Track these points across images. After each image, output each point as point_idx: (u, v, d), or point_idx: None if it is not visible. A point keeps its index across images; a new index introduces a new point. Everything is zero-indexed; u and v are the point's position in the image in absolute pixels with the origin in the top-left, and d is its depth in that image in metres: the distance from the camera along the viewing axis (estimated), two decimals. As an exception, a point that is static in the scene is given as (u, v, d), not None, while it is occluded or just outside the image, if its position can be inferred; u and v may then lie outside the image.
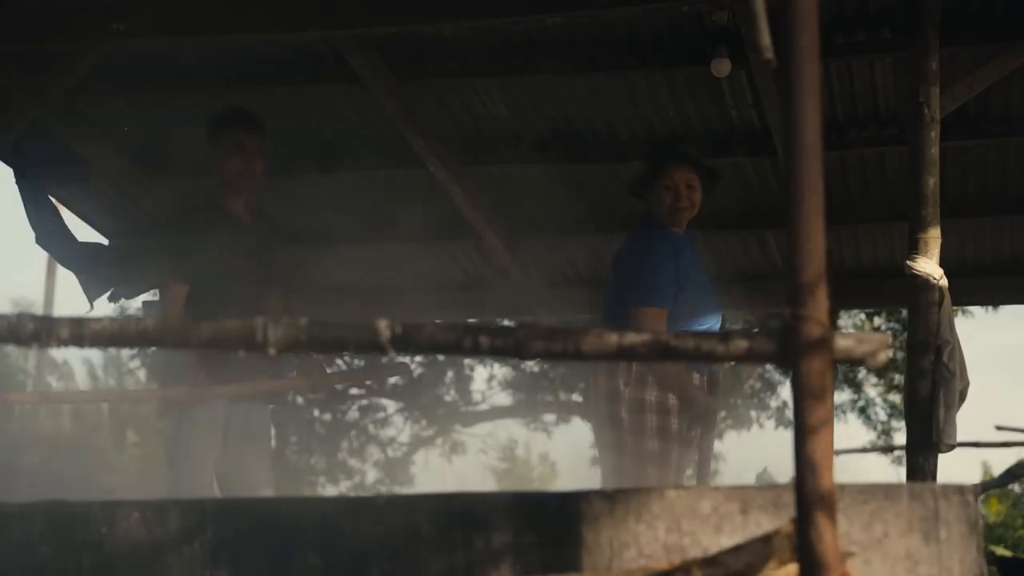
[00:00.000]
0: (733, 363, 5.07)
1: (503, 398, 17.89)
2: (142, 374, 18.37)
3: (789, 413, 14.26)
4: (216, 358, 4.69)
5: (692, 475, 5.00)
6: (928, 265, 4.52)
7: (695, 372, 4.65)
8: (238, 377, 4.78)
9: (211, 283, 4.79)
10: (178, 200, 5.30)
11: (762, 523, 2.24)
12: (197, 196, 5.06)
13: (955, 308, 4.70)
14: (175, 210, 5.15)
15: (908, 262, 4.55)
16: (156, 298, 7.59)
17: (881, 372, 15.62)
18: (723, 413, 4.92)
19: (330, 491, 17.72)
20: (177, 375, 4.78)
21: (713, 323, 4.75)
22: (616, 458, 4.61)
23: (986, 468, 17.43)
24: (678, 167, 4.73)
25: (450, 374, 17.21)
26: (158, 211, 6.45)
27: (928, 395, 4.47)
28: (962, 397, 4.56)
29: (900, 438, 15.73)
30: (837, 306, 8.27)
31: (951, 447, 4.47)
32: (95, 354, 22.05)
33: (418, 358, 15.01)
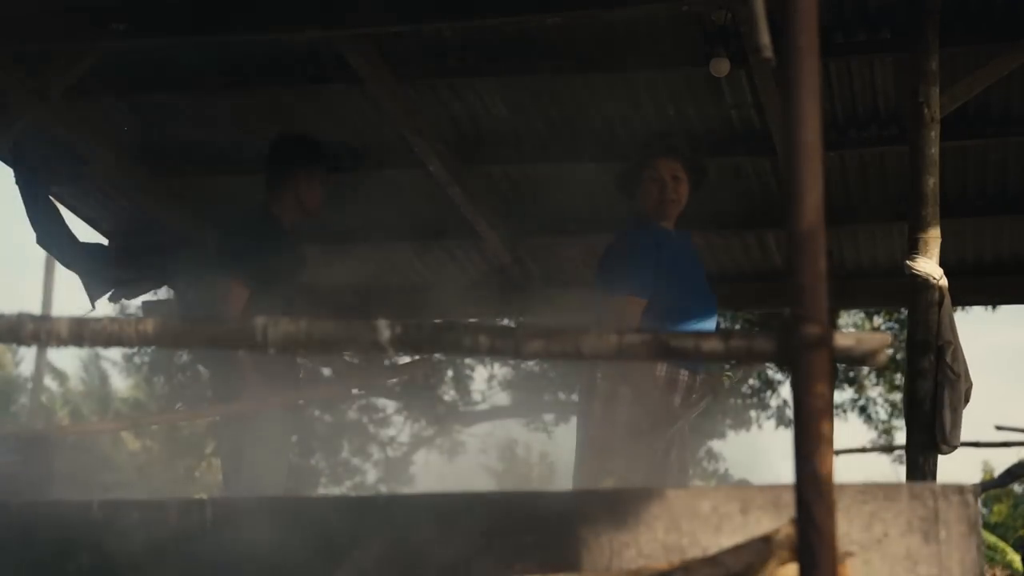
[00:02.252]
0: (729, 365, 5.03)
1: (503, 398, 17.90)
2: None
3: (789, 412, 14.24)
4: (267, 365, 4.72)
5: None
6: (928, 265, 4.52)
7: (683, 370, 4.60)
8: (288, 383, 4.82)
9: (260, 293, 4.82)
10: (239, 209, 5.38)
11: (762, 523, 2.24)
12: (256, 208, 5.14)
13: (955, 308, 4.69)
14: (238, 217, 5.20)
15: (908, 262, 4.55)
16: (156, 297, 7.61)
17: (882, 371, 15.63)
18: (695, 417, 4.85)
19: (330, 491, 17.72)
20: (234, 385, 4.78)
21: (707, 323, 4.73)
22: (586, 451, 4.60)
23: (987, 468, 17.44)
24: (664, 158, 4.73)
25: (450, 374, 17.21)
26: (217, 215, 6.48)
27: (929, 395, 4.46)
28: (966, 398, 4.55)
29: (901, 438, 15.74)
30: (837, 306, 8.27)
31: (953, 448, 4.47)
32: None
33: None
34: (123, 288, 6.05)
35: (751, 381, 16.26)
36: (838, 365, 1.79)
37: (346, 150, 5.34)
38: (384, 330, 1.86)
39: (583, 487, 4.53)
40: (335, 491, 17.75)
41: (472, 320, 7.23)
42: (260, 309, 4.74)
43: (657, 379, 4.57)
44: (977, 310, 14.40)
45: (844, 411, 16.39)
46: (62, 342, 1.88)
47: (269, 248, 4.90)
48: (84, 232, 8.24)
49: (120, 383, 21.70)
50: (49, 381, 20.62)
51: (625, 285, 4.60)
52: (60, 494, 4.71)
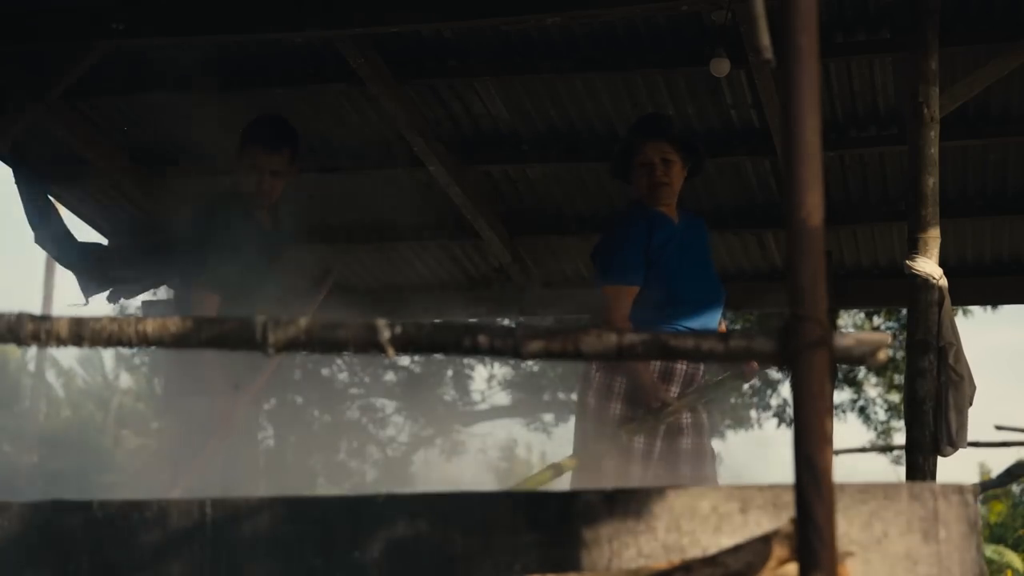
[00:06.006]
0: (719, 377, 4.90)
1: (503, 398, 17.92)
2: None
3: (790, 411, 14.22)
4: (229, 364, 4.68)
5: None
6: (928, 265, 4.51)
7: (680, 363, 4.55)
8: (248, 374, 4.78)
9: (233, 288, 4.75)
10: (207, 200, 5.21)
11: (762, 523, 2.24)
12: (225, 198, 5.01)
13: (955, 308, 4.68)
14: (204, 210, 5.06)
15: (908, 262, 4.54)
16: (156, 297, 7.61)
17: (881, 372, 15.62)
18: (706, 414, 4.77)
19: (330, 491, 17.73)
20: (195, 379, 4.73)
21: (709, 313, 4.67)
22: (580, 444, 4.58)
23: (984, 468, 17.43)
24: (651, 141, 4.65)
25: (450, 374, 17.23)
26: (185, 208, 6.42)
27: (929, 395, 4.45)
28: (969, 400, 4.54)
29: (899, 438, 15.73)
30: (837, 306, 8.26)
31: (957, 449, 4.46)
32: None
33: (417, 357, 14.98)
34: (122, 288, 6.04)
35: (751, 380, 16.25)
36: (837, 366, 1.80)
37: None
38: (384, 330, 1.87)
39: (576, 479, 4.51)
40: (334, 491, 17.75)
41: (472, 320, 7.23)
42: (229, 306, 4.71)
43: (652, 371, 4.53)
44: (977, 310, 14.38)
45: (843, 411, 16.40)
46: (62, 342, 1.88)
47: (233, 243, 4.78)
48: (84, 232, 8.25)
49: (122, 378, 21.66)
50: (53, 378, 20.59)
51: (614, 273, 4.54)
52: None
